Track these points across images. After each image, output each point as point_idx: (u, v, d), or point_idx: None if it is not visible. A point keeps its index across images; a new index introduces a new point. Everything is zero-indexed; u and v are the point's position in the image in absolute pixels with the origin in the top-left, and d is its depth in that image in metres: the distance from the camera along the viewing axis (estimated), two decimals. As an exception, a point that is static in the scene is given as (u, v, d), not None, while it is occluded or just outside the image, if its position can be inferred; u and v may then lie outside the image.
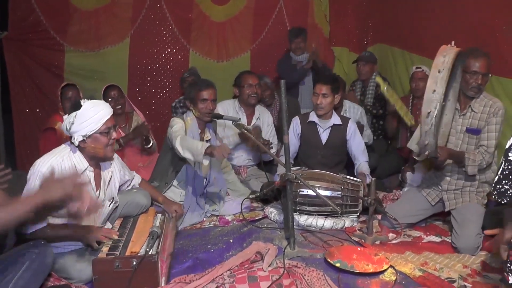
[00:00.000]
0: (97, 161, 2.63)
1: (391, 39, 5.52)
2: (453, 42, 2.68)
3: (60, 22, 5.00)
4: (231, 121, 3.48)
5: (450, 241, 3.07)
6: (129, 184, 3.05)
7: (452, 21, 4.40)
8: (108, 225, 2.77)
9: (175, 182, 3.55)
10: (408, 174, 3.95)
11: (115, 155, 2.85)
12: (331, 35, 6.11)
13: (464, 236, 2.87)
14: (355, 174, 3.79)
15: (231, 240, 3.03)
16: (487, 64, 2.96)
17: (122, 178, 2.90)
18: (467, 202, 3.09)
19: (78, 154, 2.54)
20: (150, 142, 3.88)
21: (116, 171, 2.82)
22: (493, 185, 1.94)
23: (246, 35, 5.81)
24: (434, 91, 2.54)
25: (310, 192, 3.27)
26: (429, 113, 2.56)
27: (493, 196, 1.97)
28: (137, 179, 3.11)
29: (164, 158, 3.52)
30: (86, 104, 2.48)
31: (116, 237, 2.48)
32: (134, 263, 2.20)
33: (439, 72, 2.54)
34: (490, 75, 3.03)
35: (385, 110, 4.68)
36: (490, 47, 3.70)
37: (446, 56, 2.58)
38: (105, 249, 2.34)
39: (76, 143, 2.49)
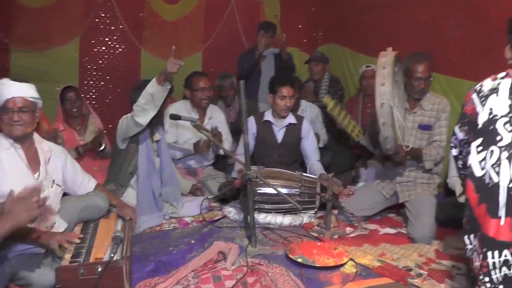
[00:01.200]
0: (16, 139, 2.56)
1: (341, 40, 5.68)
2: (390, 48, 2.86)
3: (4, 20, 4.79)
4: (190, 122, 3.46)
5: (405, 232, 3.21)
6: (82, 184, 2.98)
7: (400, 23, 4.58)
8: (63, 224, 2.68)
9: (131, 183, 3.50)
10: (362, 170, 4.09)
11: (60, 148, 2.86)
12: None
13: (419, 226, 3.01)
14: (308, 173, 3.85)
15: (193, 241, 3.02)
16: (429, 67, 3.15)
17: (64, 167, 2.83)
18: (419, 194, 3.24)
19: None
20: (102, 145, 3.80)
21: (56, 155, 2.77)
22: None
23: (198, 35, 5.83)
24: (383, 84, 2.70)
25: (269, 190, 3.31)
26: (383, 104, 2.70)
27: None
28: (92, 183, 3.05)
29: (117, 159, 3.45)
30: None
31: (78, 241, 2.42)
32: (99, 269, 2.15)
33: (384, 68, 2.74)
34: (431, 78, 3.22)
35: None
36: (437, 47, 3.91)
37: (386, 56, 2.78)
38: (67, 256, 2.27)
39: None
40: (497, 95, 1.80)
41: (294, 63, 5.32)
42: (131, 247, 2.78)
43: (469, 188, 1.82)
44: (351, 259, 2.67)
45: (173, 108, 4.04)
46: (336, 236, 3.13)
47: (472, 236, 1.81)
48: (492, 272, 1.68)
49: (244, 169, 3.36)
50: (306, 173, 3.76)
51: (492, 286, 1.69)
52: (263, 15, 6.15)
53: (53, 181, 2.69)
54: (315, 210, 3.48)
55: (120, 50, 5.33)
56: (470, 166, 1.83)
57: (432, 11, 4.17)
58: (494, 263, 1.67)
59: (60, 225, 2.66)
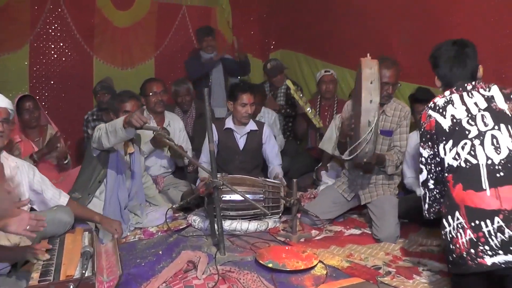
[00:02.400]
0: None
1: (294, 45, 5.79)
2: (368, 55, 2.85)
3: None
4: (152, 131, 3.41)
5: (369, 232, 3.30)
6: (52, 199, 2.88)
7: (352, 29, 4.73)
8: (26, 241, 2.57)
9: (97, 193, 3.41)
10: (323, 173, 4.18)
11: (27, 163, 2.75)
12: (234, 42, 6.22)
13: (384, 226, 3.11)
14: (268, 176, 3.91)
15: (160, 252, 2.97)
16: (396, 73, 3.24)
17: (31, 183, 2.73)
18: (381, 195, 3.34)
19: None
20: (67, 159, 3.68)
21: (23, 172, 2.68)
22: (425, 211, 2.37)
23: (150, 41, 5.76)
24: (371, 101, 2.65)
25: (234, 197, 3.32)
26: (369, 121, 2.65)
27: (429, 216, 2.38)
28: (63, 199, 2.94)
29: (88, 167, 3.33)
30: None
31: (48, 256, 2.35)
32: (71, 287, 2.08)
33: (371, 83, 2.67)
34: (399, 84, 3.32)
35: (295, 111, 4.91)
36: (387, 54, 4.05)
37: (372, 68, 2.72)
38: (35, 275, 2.17)
39: None
40: (453, 105, 2.21)
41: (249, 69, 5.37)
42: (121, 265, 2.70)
43: (447, 178, 2.12)
44: (320, 261, 2.72)
45: None
46: (302, 240, 3.17)
47: (450, 216, 2.04)
48: (490, 240, 1.87)
49: (207, 177, 3.39)
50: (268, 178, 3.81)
51: (494, 252, 1.86)
52: (214, 21, 6.16)
53: (19, 199, 2.57)
54: (280, 214, 3.52)
55: (72, 57, 5.18)
56: (444, 163, 2.16)
57: (382, 19, 4.32)
58: (489, 231, 1.88)
59: (23, 243, 2.56)
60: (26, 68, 4.94)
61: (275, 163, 3.97)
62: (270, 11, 6.16)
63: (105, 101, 4.37)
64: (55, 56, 5.09)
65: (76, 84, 5.09)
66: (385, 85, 3.20)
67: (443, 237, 2.08)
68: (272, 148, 3.99)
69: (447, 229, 2.05)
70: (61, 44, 5.11)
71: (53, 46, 5.07)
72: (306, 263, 2.69)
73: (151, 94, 4.00)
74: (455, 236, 1.99)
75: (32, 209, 2.76)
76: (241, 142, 3.93)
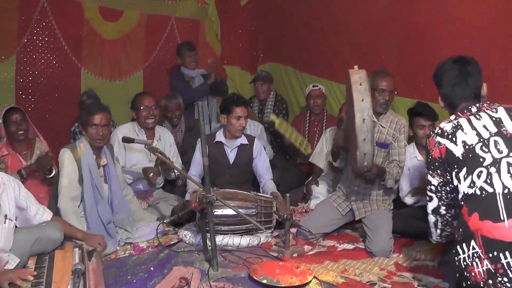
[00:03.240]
0: None
1: (282, 58, 5.83)
2: (356, 66, 2.90)
3: None
4: (144, 145, 3.38)
5: (362, 247, 3.30)
6: (36, 215, 2.81)
7: (340, 43, 4.77)
8: (14, 259, 2.51)
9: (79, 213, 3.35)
10: (313, 187, 4.18)
11: (13, 178, 2.68)
12: (223, 54, 6.25)
13: (378, 241, 3.11)
14: (261, 191, 3.88)
15: (152, 268, 2.91)
16: (393, 82, 3.29)
17: (17, 199, 2.66)
18: (375, 210, 3.35)
19: None
20: (52, 172, 3.60)
21: (9, 187, 2.60)
22: (437, 236, 2.37)
23: (138, 53, 5.70)
24: (363, 99, 2.71)
25: (225, 212, 3.29)
26: (364, 120, 2.69)
27: (441, 240, 2.40)
28: (47, 215, 2.87)
29: None
30: None
31: (32, 278, 2.26)
32: (64, 306, 2.03)
33: (360, 84, 2.75)
34: (396, 92, 3.35)
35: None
36: (377, 68, 4.10)
37: (359, 73, 2.81)
38: (25, 295, 2.12)
39: None
40: (462, 130, 2.14)
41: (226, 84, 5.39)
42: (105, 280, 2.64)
43: (463, 208, 2.06)
44: (315, 277, 2.70)
45: (120, 131, 3.94)
46: (295, 255, 3.15)
47: (464, 244, 1.98)
48: (509, 271, 1.82)
49: (199, 191, 3.37)
50: (259, 192, 3.79)
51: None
52: (203, 34, 6.16)
53: (5, 216, 2.51)
54: (272, 229, 3.50)
55: (59, 69, 5.08)
56: (459, 191, 2.11)
57: (372, 32, 4.37)
58: (508, 262, 1.82)
59: (11, 261, 2.49)
60: (13, 79, 4.84)
61: (267, 178, 3.96)
62: (258, 24, 6.20)
63: None
64: (43, 67, 5.00)
65: (63, 95, 5.00)
66: (382, 92, 3.25)
67: (456, 263, 2.02)
68: (263, 162, 3.98)
69: (461, 256, 1.99)
70: (49, 55, 5.02)
71: (40, 57, 4.98)
72: (301, 279, 2.66)
73: (142, 108, 3.95)
74: (470, 264, 1.94)
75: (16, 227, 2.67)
76: (232, 156, 3.91)
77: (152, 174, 3.75)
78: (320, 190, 4.14)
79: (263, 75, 5.14)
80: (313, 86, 4.73)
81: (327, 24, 4.97)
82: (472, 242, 1.94)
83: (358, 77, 2.77)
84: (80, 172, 3.26)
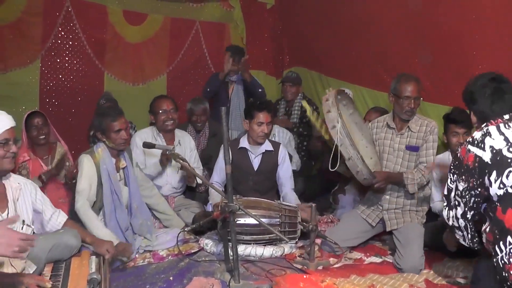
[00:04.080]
0: None
1: (307, 63, 5.69)
2: (330, 88, 3.13)
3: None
4: (166, 151, 3.30)
5: (390, 261, 3.16)
6: (51, 219, 2.77)
7: (369, 47, 4.62)
8: (31, 265, 2.47)
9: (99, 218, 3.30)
10: (340, 196, 4.04)
11: (30, 181, 2.67)
12: (248, 58, 6.12)
13: (408, 258, 2.96)
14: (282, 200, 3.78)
15: (171, 278, 2.84)
16: (418, 88, 3.16)
17: (34, 203, 2.64)
18: (408, 222, 3.19)
19: None
20: (75, 178, 3.57)
21: (26, 192, 2.58)
22: (469, 241, 2.34)
23: (162, 57, 5.67)
24: (329, 111, 2.95)
25: (248, 221, 3.18)
26: (334, 126, 2.85)
27: (473, 246, 2.35)
28: (61, 218, 2.83)
29: None
30: None
31: (49, 285, 2.20)
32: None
33: (327, 100, 3.02)
34: (421, 98, 3.21)
35: (308, 131, 4.79)
36: (407, 71, 3.93)
37: (327, 94, 3.08)
38: (39, 304, 2.06)
39: None
40: (490, 136, 2.20)
41: (261, 87, 5.23)
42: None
43: (496, 207, 2.14)
44: (341, 292, 2.58)
45: (139, 136, 3.88)
46: (320, 267, 3.02)
47: (501, 242, 2.04)
48: None
49: (221, 199, 3.27)
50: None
51: None
52: (228, 38, 6.08)
53: (23, 221, 2.47)
54: (296, 240, 3.37)
55: (83, 72, 5.09)
56: (489, 194, 2.16)
57: (400, 36, 4.22)
58: None
59: (27, 267, 2.44)
60: (37, 83, 4.87)
61: (288, 187, 3.84)
62: (284, 28, 6.08)
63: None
64: (66, 71, 5.02)
65: (86, 99, 5.00)
66: (406, 100, 3.14)
67: (495, 264, 2.05)
68: (286, 170, 3.87)
69: (499, 256, 2.04)
70: (73, 59, 5.04)
71: (64, 61, 5.01)
72: (326, 295, 2.55)
73: (160, 111, 3.88)
74: (507, 262, 1.98)
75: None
76: (256, 163, 3.80)
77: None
78: (346, 200, 4.00)
79: (292, 77, 5.01)
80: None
81: (354, 28, 4.81)
82: (509, 238, 2.01)
83: (325, 97, 3.07)
84: (99, 177, 3.21)
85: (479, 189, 2.20)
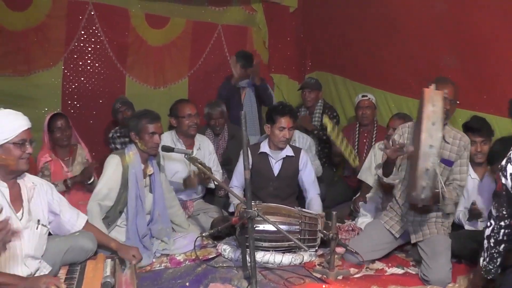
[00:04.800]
0: (10, 175, 2.39)
1: (331, 67, 5.62)
2: (434, 85, 2.69)
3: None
4: (184, 155, 3.26)
5: (413, 272, 3.07)
6: (70, 220, 2.74)
7: (394, 50, 4.53)
8: (46, 267, 2.48)
9: (118, 222, 3.28)
10: (361, 204, 3.94)
11: (46, 182, 2.65)
12: (270, 62, 6.11)
13: (437, 269, 2.85)
14: (306, 207, 3.69)
15: (187, 284, 2.81)
16: (455, 91, 3.02)
17: (50, 204, 2.62)
18: (434, 233, 3.07)
19: None
20: (91, 178, 3.57)
21: (41, 191, 2.56)
22: (482, 264, 2.27)
23: (184, 60, 5.64)
24: (431, 146, 2.48)
25: (267, 227, 3.12)
26: (427, 169, 2.50)
27: (482, 273, 2.29)
28: (81, 221, 2.80)
29: None
30: (1, 111, 2.36)
31: (64, 287, 2.21)
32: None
33: (433, 124, 2.49)
34: (457, 102, 3.07)
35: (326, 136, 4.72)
36: (433, 76, 3.83)
37: (435, 105, 2.53)
38: (52, 307, 2.04)
39: None
40: (511, 163, 2.04)
41: (269, 89, 5.20)
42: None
43: None
44: (362, 304, 2.50)
45: None
46: (340, 277, 2.95)
47: None
48: None
49: (240, 205, 3.21)
50: (304, 206, 3.60)
51: None
52: (250, 41, 6.04)
53: (38, 221, 2.46)
54: (316, 248, 3.30)
55: (104, 75, 5.11)
56: None
57: (431, 38, 4.12)
58: None
59: (42, 268, 2.45)
60: (59, 85, 4.90)
61: (313, 193, 3.77)
62: (307, 31, 6.01)
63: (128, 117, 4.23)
64: (88, 74, 5.04)
65: (107, 102, 4.98)
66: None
67: None
68: (309, 175, 3.79)
69: None
70: (95, 62, 5.06)
71: (86, 64, 5.03)
72: (346, 306, 2.46)
73: (185, 116, 3.84)
74: None
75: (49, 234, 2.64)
76: (276, 168, 3.74)
77: (192, 176, 3.67)
78: (368, 208, 3.89)
79: (311, 83, 4.94)
80: (362, 96, 4.51)
81: (380, 32, 4.72)
82: None
83: (432, 112, 2.50)
84: (124, 180, 3.19)
85: (508, 220, 2.11)
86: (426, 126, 2.48)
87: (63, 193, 3.20)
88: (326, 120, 4.14)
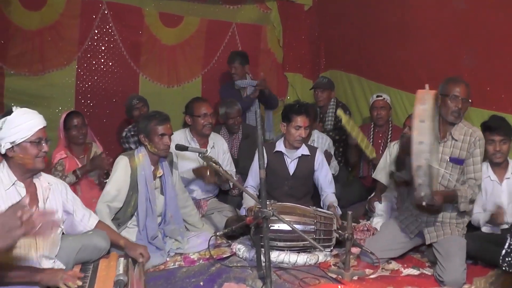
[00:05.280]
0: (27, 174, 2.41)
1: (345, 66, 5.57)
2: (427, 86, 2.69)
3: (-2, 42, 4.60)
4: (198, 154, 3.25)
5: (428, 273, 3.04)
6: (82, 220, 2.75)
7: (410, 49, 4.47)
8: (60, 265, 2.49)
9: (128, 223, 3.29)
10: (376, 204, 3.90)
11: (60, 181, 2.67)
12: (285, 61, 6.09)
13: (451, 270, 2.81)
14: (321, 205, 3.68)
15: (201, 283, 2.80)
16: (467, 90, 2.98)
17: (65, 203, 2.63)
18: (448, 234, 3.03)
19: (5, 167, 2.36)
20: (109, 176, 3.58)
21: (56, 191, 2.57)
22: (501, 257, 2.24)
23: (198, 59, 5.65)
24: (421, 142, 2.49)
25: (282, 227, 3.09)
26: (419, 166, 2.50)
27: (503, 268, 2.28)
28: (93, 220, 2.80)
29: None
30: (18, 110, 2.37)
31: (80, 283, 2.25)
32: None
33: (422, 122, 2.51)
34: (470, 101, 3.02)
35: (340, 136, 4.68)
36: (451, 75, 3.77)
37: (425, 103, 2.55)
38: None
39: (3, 150, 2.32)
40: None
41: (272, 92, 5.22)
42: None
43: None
44: (378, 306, 2.46)
45: (172, 139, 3.85)
46: (355, 277, 2.92)
47: None
48: None
49: (255, 204, 3.18)
50: (319, 206, 3.57)
51: None
52: (264, 40, 6.02)
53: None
54: (331, 248, 3.26)
55: (118, 74, 5.13)
56: None
57: (445, 37, 4.06)
58: None
59: (56, 267, 2.45)
60: (73, 84, 4.93)
61: (329, 191, 3.74)
62: (321, 30, 5.96)
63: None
64: (102, 72, 5.06)
65: (121, 101, 4.98)
66: (454, 99, 2.95)
67: None
68: (325, 175, 3.76)
69: None
70: (108, 61, 5.08)
71: (100, 63, 5.05)
72: (362, 307, 2.43)
73: (201, 115, 3.82)
74: None
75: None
76: (292, 167, 3.70)
77: (208, 173, 3.60)
78: (383, 208, 3.85)
79: (323, 82, 4.91)
80: (377, 96, 4.46)
81: (395, 30, 4.66)
82: None
83: (422, 110, 2.53)
84: (133, 182, 3.18)
85: None
86: (416, 124, 2.52)
87: (75, 188, 3.18)
88: (340, 112, 4.12)
